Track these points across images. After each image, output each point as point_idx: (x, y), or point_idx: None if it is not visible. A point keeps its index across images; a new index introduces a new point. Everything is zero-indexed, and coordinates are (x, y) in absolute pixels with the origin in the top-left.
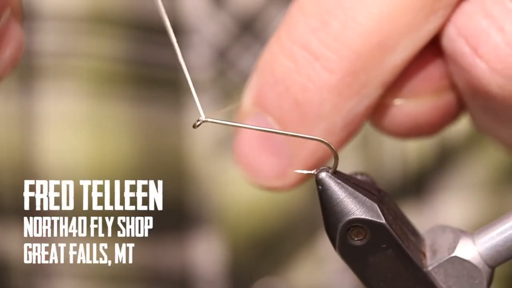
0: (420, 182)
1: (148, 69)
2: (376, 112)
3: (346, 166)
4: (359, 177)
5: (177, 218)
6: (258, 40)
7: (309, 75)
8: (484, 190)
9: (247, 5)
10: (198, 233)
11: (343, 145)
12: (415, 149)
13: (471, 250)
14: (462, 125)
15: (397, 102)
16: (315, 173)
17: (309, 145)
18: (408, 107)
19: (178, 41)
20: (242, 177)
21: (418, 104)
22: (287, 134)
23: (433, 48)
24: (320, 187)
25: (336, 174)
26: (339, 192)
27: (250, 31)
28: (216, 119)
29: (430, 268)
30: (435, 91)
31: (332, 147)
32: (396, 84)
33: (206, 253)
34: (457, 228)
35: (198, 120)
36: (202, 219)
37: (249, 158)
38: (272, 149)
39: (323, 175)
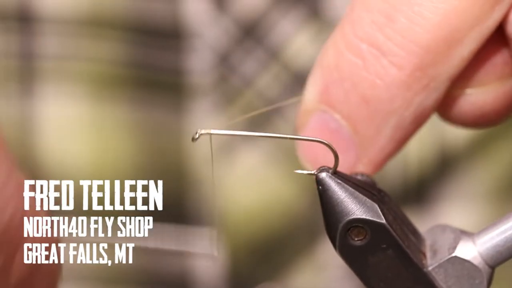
0: (421, 191)
1: (148, 72)
2: (443, 103)
3: None
4: (359, 177)
5: (176, 222)
6: (260, 45)
7: (377, 72)
8: (485, 199)
9: (249, 9)
10: (198, 238)
11: (410, 138)
12: (416, 157)
13: (471, 250)
14: (463, 133)
15: (463, 92)
16: (315, 173)
17: (379, 141)
18: (474, 96)
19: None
20: (242, 182)
21: (483, 92)
22: (286, 138)
23: (496, 35)
24: (320, 187)
25: (336, 174)
26: (339, 192)
27: (252, 36)
28: (214, 130)
29: (430, 268)
30: (499, 78)
31: (332, 147)
32: (462, 74)
33: (206, 258)
34: (457, 228)
35: (197, 133)
36: (202, 224)
37: (315, 156)
38: (337, 146)
39: (323, 175)
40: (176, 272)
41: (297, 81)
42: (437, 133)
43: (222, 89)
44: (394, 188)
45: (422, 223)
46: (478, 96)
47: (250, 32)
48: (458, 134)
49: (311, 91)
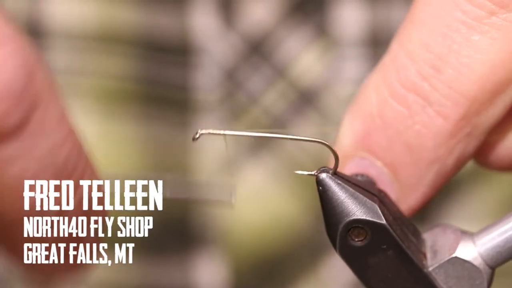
0: (424, 212)
1: (155, 87)
2: (481, 149)
3: None
4: (359, 177)
5: (180, 237)
6: (267, 62)
7: (423, 121)
8: (488, 220)
9: (257, 26)
10: (202, 253)
11: (447, 182)
12: None
13: (471, 250)
14: None
15: (501, 138)
16: (316, 174)
17: (421, 188)
18: (510, 141)
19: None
20: (246, 199)
21: None
22: (286, 138)
23: None
24: (320, 188)
25: (336, 175)
26: (340, 193)
27: (259, 53)
28: (213, 131)
29: (430, 268)
30: None
31: (333, 148)
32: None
33: (209, 274)
34: (458, 229)
35: (197, 133)
36: (206, 240)
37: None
38: None
39: (323, 176)
40: (179, 287)
41: (303, 98)
42: None
43: (228, 105)
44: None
45: None
46: None
47: (257, 49)
48: None
49: (349, 136)
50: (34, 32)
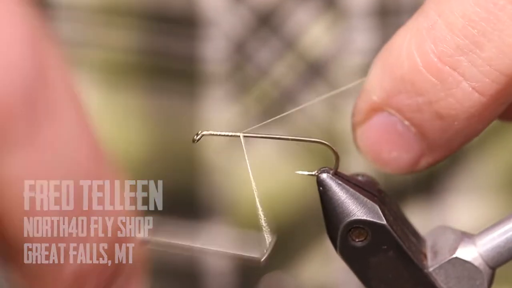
0: (431, 181)
1: (163, 59)
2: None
3: (358, 164)
4: (360, 178)
5: (188, 209)
6: (276, 34)
7: (456, 95)
8: (494, 193)
9: None
10: (209, 225)
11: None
12: None
13: (472, 251)
14: None
15: None
16: (316, 174)
17: (449, 147)
18: None
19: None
20: (253, 172)
21: None
22: (287, 139)
23: None
24: (321, 188)
25: (337, 175)
26: (340, 193)
27: (268, 25)
28: (215, 132)
29: (431, 269)
30: None
31: (333, 148)
32: None
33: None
34: (458, 229)
35: (197, 134)
36: (214, 211)
37: (379, 154)
38: (403, 146)
39: (324, 176)
40: (186, 260)
41: (312, 70)
42: None
43: (237, 78)
44: (405, 179)
45: (430, 215)
46: None
47: (266, 21)
48: None
49: (378, 92)
50: (40, 2)
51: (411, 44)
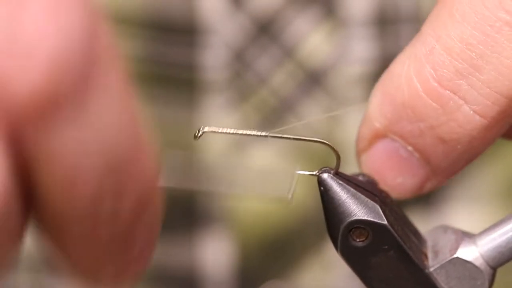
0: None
1: (163, 67)
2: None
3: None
4: (361, 178)
5: (187, 216)
6: (275, 42)
7: (458, 119)
8: (492, 202)
9: (265, 7)
10: (208, 233)
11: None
12: None
13: (473, 251)
14: None
15: None
16: (317, 174)
17: (452, 170)
18: None
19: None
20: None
21: None
22: (287, 138)
23: None
24: (322, 188)
25: (338, 175)
26: (341, 193)
27: (267, 33)
28: (217, 128)
29: (431, 269)
30: None
31: (335, 148)
32: None
33: (215, 253)
34: (459, 229)
35: (199, 131)
36: (213, 219)
37: (385, 180)
38: (408, 171)
39: (325, 176)
40: (185, 267)
41: (311, 78)
42: None
43: (236, 86)
44: None
45: (429, 223)
46: None
47: (266, 29)
48: None
49: (381, 118)
50: None
51: (410, 70)
